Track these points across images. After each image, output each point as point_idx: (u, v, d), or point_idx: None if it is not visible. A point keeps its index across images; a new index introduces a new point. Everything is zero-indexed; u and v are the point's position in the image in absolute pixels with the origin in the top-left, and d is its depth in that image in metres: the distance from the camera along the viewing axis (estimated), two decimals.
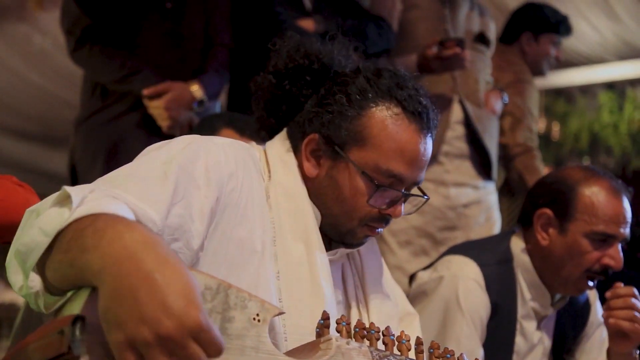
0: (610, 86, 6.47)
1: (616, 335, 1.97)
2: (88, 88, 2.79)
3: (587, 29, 5.32)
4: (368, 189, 1.41)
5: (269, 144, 1.52)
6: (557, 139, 6.68)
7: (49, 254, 1.02)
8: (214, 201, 1.29)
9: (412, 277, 2.27)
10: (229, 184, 1.33)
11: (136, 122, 2.68)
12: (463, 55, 2.73)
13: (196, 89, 2.68)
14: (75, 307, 0.97)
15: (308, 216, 1.42)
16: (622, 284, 1.97)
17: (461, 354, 1.29)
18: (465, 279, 2.07)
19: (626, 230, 2.01)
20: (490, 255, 2.15)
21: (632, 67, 6.21)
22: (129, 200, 1.15)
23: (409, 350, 1.23)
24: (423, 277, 2.19)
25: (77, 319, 0.91)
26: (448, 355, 1.27)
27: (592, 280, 2.05)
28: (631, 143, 6.41)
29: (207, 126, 2.30)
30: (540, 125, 6.57)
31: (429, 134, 1.46)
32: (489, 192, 3.05)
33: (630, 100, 6.27)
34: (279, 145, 1.50)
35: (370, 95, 1.42)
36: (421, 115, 1.43)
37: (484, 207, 2.98)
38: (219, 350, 0.89)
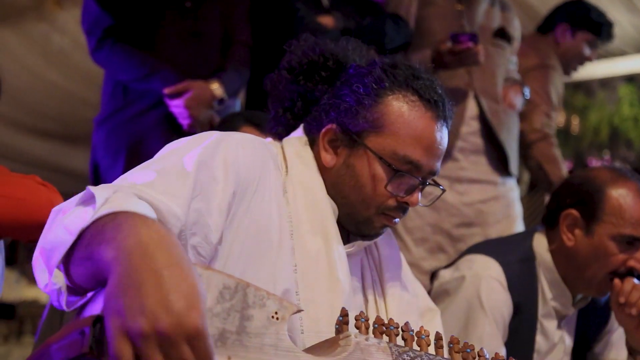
0: (630, 79, 6.41)
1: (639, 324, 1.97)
2: (109, 87, 2.82)
3: None
4: (386, 174, 1.43)
5: (286, 139, 1.54)
6: (577, 132, 6.62)
7: (72, 252, 1.04)
8: (230, 195, 1.31)
9: (433, 275, 2.27)
10: (247, 179, 1.34)
11: (157, 121, 2.70)
12: (476, 50, 2.69)
13: (216, 87, 2.70)
14: (97, 307, 0.99)
15: (325, 209, 1.43)
16: (635, 280, 1.97)
17: (481, 349, 1.29)
18: (488, 279, 2.07)
19: None
20: (512, 255, 2.14)
21: None
22: (153, 196, 1.17)
23: (429, 345, 1.24)
24: (445, 275, 2.19)
25: (98, 319, 0.92)
26: (468, 350, 1.27)
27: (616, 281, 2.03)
28: None
29: (227, 125, 2.32)
30: (559, 119, 6.51)
31: (445, 123, 1.48)
32: (509, 188, 2.99)
33: None
34: (296, 140, 1.52)
35: (387, 84, 1.45)
36: (437, 103, 1.46)
37: (502, 203, 2.94)
38: (208, 357, 0.88)
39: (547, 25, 3.63)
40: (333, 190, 1.46)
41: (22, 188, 1.72)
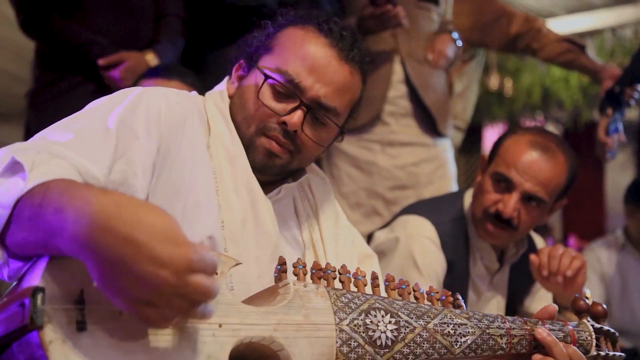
0: None
1: (565, 285, 1.99)
2: (40, 60, 2.76)
3: None
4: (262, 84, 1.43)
5: (208, 93, 1.54)
6: (510, 94, 6.72)
7: (8, 224, 1.01)
8: (154, 153, 1.30)
9: (369, 238, 2.30)
10: (170, 134, 1.34)
11: (92, 92, 2.65)
12: (395, 12, 2.67)
13: (151, 58, 2.68)
14: (35, 276, 0.97)
15: (245, 162, 1.42)
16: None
17: (416, 284, 1.32)
18: (421, 239, 2.12)
19: (530, 185, 2.01)
20: (444, 214, 2.20)
21: (580, 20, 6.28)
22: (70, 157, 1.15)
23: (365, 285, 1.26)
24: (380, 237, 2.23)
25: (37, 290, 0.92)
26: (403, 286, 1.30)
27: (492, 225, 2.07)
28: (582, 96, 6.46)
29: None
30: (493, 81, 6.62)
31: (347, 58, 1.44)
32: (441, 149, 3.00)
33: None
34: (217, 94, 1.52)
35: (291, 18, 1.48)
36: (333, 32, 1.44)
37: (435, 164, 2.95)
38: (213, 268, 0.95)
39: None
40: (233, 122, 1.47)
41: None
